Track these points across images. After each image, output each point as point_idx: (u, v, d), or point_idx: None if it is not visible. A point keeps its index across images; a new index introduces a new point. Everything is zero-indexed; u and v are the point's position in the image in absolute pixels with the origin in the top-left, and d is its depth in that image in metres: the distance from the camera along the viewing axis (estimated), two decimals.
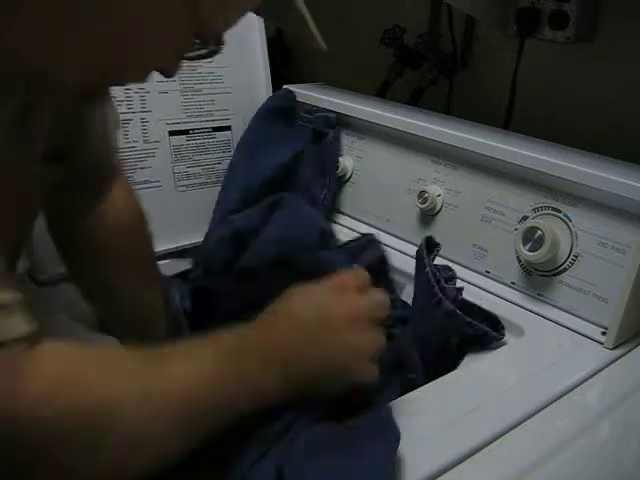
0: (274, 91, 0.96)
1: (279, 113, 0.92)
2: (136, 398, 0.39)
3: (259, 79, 0.94)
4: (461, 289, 0.66)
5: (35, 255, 0.73)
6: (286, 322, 0.48)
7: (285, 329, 0.47)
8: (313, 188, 0.89)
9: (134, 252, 0.64)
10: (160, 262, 0.70)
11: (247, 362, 0.45)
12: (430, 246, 0.67)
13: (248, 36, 0.92)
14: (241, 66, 0.91)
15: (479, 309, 0.64)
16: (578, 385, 0.57)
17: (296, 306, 0.49)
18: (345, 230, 0.87)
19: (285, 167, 0.88)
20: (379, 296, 0.51)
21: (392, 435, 0.45)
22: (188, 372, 0.42)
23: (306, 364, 0.47)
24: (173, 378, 0.41)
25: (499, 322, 0.64)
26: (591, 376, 0.58)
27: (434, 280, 0.64)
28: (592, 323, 0.64)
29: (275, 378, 0.45)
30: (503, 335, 0.63)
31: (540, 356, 0.61)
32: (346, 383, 0.48)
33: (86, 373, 0.39)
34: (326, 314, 0.48)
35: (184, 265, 0.83)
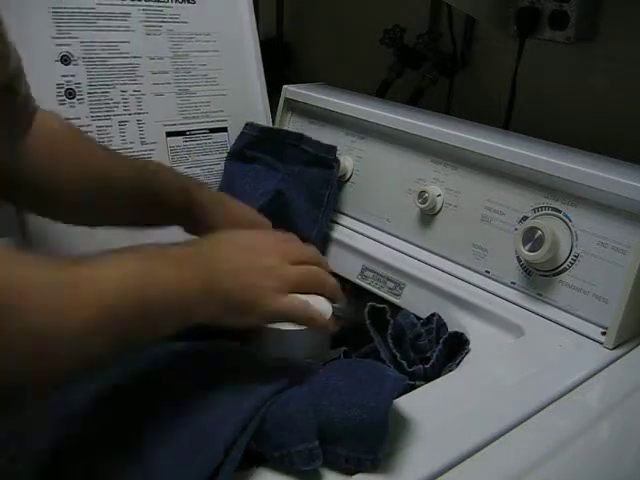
0: (271, 91, 0.96)
1: (251, 148, 0.89)
2: (53, 288, 0.38)
3: (253, 80, 0.94)
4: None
5: None
6: (212, 248, 0.52)
7: (210, 254, 0.50)
8: (303, 223, 0.84)
9: (87, 147, 0.64)
10: None
11: (163, 263, 0.46)
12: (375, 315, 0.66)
13: (242, 38, 0.92)
14: (235, 68, 0.91)
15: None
16: (578, 385, 0.57)
17: (227, 236, 0.55)
18: (345, 230, 0.87)
19: (270, 203, 0.82)
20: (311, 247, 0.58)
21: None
22: (110, 274, 0.42)
23: (231, 282, 0.49)
24: (95, 278, 0.41)
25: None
26: (591, 376, 0.58)
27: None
28: (592, 323, 0.64)
29: (194, 289, 0.46)
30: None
31: (540, 356, 0.61)
32: (266, 307, 0.50)
33: None
34: (257, 243, 0.54)
35: None
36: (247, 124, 0.91)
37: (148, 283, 0.44)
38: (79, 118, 0.77)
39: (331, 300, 0.55)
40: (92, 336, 0.39)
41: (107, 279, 0.41)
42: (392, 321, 0.66)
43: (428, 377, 0.61)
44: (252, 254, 0.52)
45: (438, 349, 0.63)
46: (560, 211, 0.68)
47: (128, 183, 0.63)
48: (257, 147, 0.89)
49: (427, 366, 0.61)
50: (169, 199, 0.64)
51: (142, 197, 0.63)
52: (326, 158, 0.86)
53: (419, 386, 0.57)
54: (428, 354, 0.64)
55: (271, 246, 0.55)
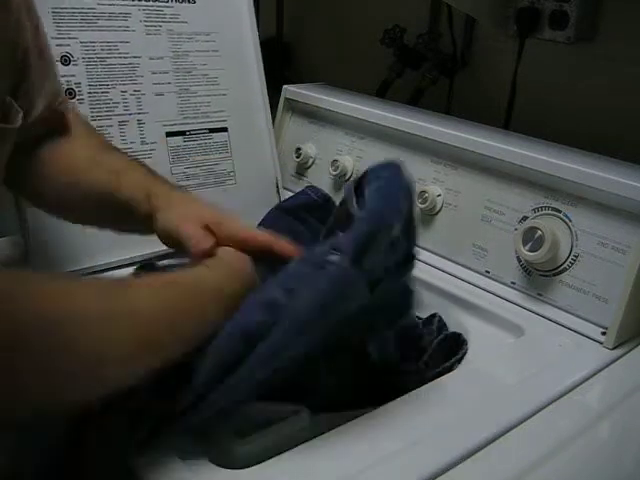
0: (271, 91, 0.96)
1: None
2: (98, 313, 0.40)
3: (253, 80, 0.94)
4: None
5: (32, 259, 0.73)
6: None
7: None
8: None
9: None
10: (160, 262, 0.69)
11: (202, 298, 0.49)
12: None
13: (242, 38, 0.92)
14: (235, 68, 0.91)
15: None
16: (578, 385, 0.57)
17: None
18: None
19: None
20: None
21: None
22: (148, 296, 0.45)
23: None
24: (134, 300, 0.44)
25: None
26: (591, 376, 0.58)
27: None
28: (592, 323, 0.64)
29: (221, 311, 0.49)
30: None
31: (540, 356, 0.61)
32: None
33: (45, 287, 0.39)
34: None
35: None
36: (308, 187, 0.83)
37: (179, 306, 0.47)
38: None
39: None
40: (137, 363, 0.43)
41: (142, 308, 0.44)
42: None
43: (422, 376, 0.61)
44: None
45: (432, 349, 0.62)
46: (560, 211, 0.68)
47: (98, 188, 0.62)
48: (312, 212, 0.80)
49: (419, 363, 0.61)
50: (132, 206, 0.61)
51: (108, 203, 0.62)
52: None
53: (413, 387, 0.57)
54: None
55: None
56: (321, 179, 0.92)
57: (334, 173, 0.90)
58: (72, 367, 0.38)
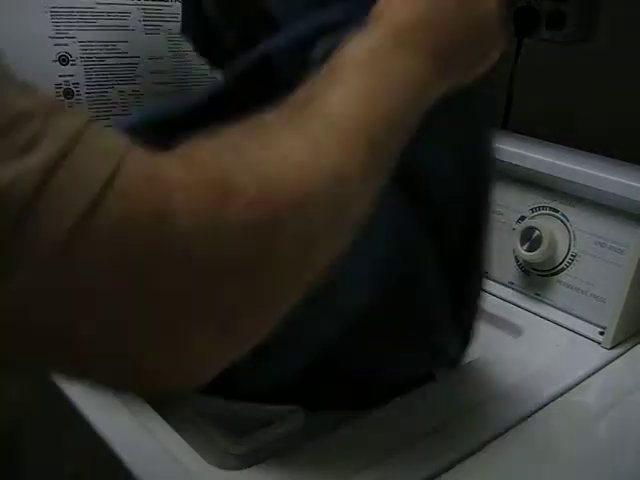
0: None
1: None
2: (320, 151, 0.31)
3: None
4: None
5: None
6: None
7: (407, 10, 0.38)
8: None
9: None
10: None
11: (388, 60, 0.36)
12: None
13: None
14: None
15: None
16: (576, 385, 0.57)
17: None
18: None
19: None
20: None
21: None
22: (343, 96, 0.34)
23: (446, 35, 0.39)
24: (333, 106, 0.33)
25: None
26: (589, 376, 0.58)
27: None
28: (590, 323, 0.65)
29: (422, 61, 0.37)
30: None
31: (538, 356, 0.61)
32: (491, 48, 0.44)
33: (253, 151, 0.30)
34: None
35: None
36: None
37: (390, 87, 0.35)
38: None
39: None
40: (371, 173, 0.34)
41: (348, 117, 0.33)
42: None
43: None
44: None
45: None
46: (558, 211, 0.68)
47: None
48: None
49: None
50: None
51: None
52: None
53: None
54: None
55: None
56: None
57: None
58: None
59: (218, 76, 0.63)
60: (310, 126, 0.32)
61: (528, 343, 0.64)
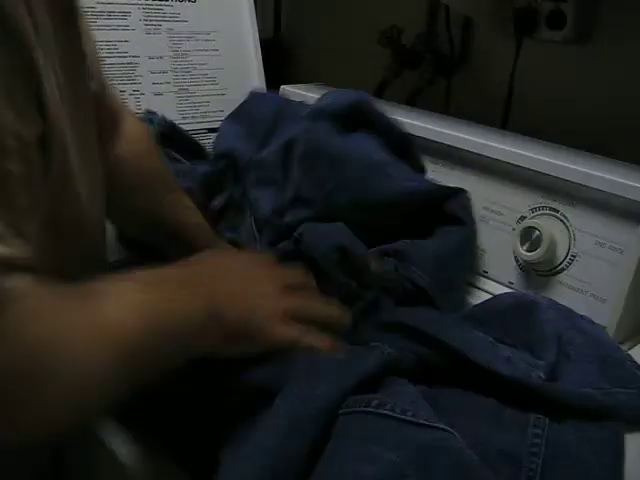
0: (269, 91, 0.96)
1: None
2: (81, 334, 0.38)
3: (253, 80, 0.94)
4: None
5: None
6: (209, 268, 0.48)
7: (209, 273, 0.47)
8: None
9: (157, 176, 0.65)
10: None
11: (168, 289, 0.43)
12: None
13: (242, 37, 0.92)
14: (235, 68, 0.92)
15: None
16: None
17: (218, 257, 0.52)
18: None
19: None
20: (299, 270, 0.55)
21: None
22: (118, 306, 0.40)
23: (231, 306, 0.46)
24: (104, 313, 0.39)
25: None
26: None
27: None
28: None
29: (201, 310, 0.43)
30: None
31: None
32: (268, 335, 0.47)
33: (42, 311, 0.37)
34: (250, 268, 0.51)
35: None
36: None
37: (159, 316, 0.42)
38: None
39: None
40: (115, 375, 0.40)
41: (121, 321, 0.40)
42: None
43: None
44: (247, 279, 0.50)
45: None
46: (558, 211, 0.68)
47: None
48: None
49: None
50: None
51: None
52: None
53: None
54: None
55: (263, 271, 0.52)
56: None
57: None
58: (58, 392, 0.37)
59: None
60: (88, 319, 0.39)
61: None
